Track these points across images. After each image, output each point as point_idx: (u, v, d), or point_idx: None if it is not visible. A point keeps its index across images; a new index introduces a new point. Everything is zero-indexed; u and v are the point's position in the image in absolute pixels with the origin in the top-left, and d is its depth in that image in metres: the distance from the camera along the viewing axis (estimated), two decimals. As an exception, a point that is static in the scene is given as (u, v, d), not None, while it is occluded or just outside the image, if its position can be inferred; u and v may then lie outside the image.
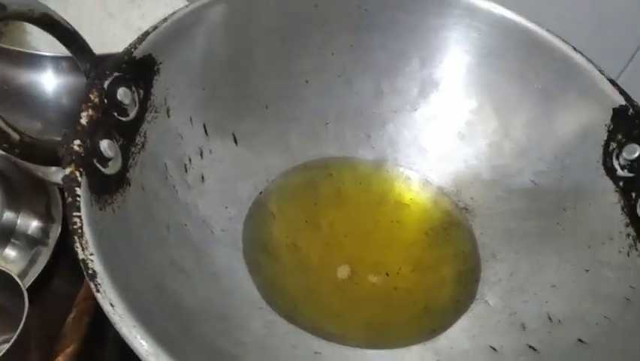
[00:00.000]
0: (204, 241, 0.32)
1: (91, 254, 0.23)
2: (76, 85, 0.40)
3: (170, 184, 0.32)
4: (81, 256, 0.23)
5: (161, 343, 0.21)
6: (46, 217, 0.48)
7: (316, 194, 0.38)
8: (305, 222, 0.37)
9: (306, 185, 0.38)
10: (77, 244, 0.23)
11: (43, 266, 0.45)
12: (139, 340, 0.21)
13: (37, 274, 0.44)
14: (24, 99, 0.39)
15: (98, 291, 0.22)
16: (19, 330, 0.33)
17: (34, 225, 0.47)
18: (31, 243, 0.46)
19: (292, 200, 0.37)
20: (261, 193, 0.37)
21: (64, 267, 0.46)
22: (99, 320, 0.40)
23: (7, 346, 0.33)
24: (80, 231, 0.23)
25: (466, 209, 0.38)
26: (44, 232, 0.47)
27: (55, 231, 0.47)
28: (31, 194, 0.48)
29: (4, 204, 0.46)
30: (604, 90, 0.34)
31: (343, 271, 0.35)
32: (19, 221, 0.47)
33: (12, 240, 0.46)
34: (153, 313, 0.23)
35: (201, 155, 0.35)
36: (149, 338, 0.21)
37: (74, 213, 0.24)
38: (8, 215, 0.46)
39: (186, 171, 0.34)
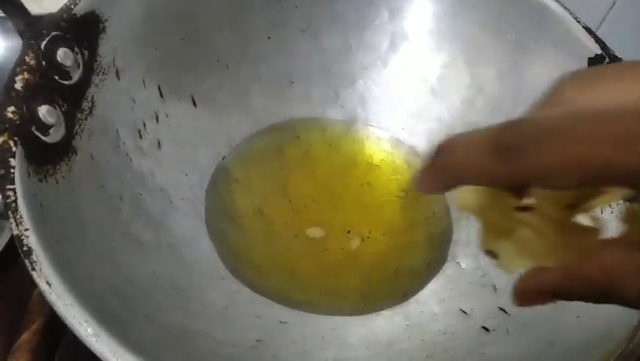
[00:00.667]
0: (162, 211, 0.31)
1: (26, 230, 0.21)
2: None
3: (122, 152, 0.30)
4: (15, 231, 0.21)
5: (106, 322, 0.20)
6: (8, 190, 0.46)
7: (283, 158, 0.36)
8: (271, 187, 0.35)
9: (271, 148, 0.36)
10: (12, 219, 0.21)
11: (6, 241, 0.43)
12: (77, 320, 0.19)
13: (0, 249, 0.42)
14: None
15: (33, 269, 0.20)
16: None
17: (-5, 198, 0.45)
18: (-7, 216, 0.44)
19: (257, 165, 0.36)
20: (223, 159, 0.35)
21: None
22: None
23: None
24: (13, 205, 0.22)
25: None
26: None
27: (18, 203, 0.45)
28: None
29: (-39, 178, 0.44)
30: (579, 39, 0.32)
31: (311, 237, 0.33)
32: (-21, 194, 0.45)
33: (-27, 214, 0.44)
34: (100, 291, 0.22)
35: (157, 119, 0.33)
36: (90, 318, 0.19)
37: (8, 186, 0.22)
38: (-33, 188, 0.44)
39: (141, 137, 0.32)
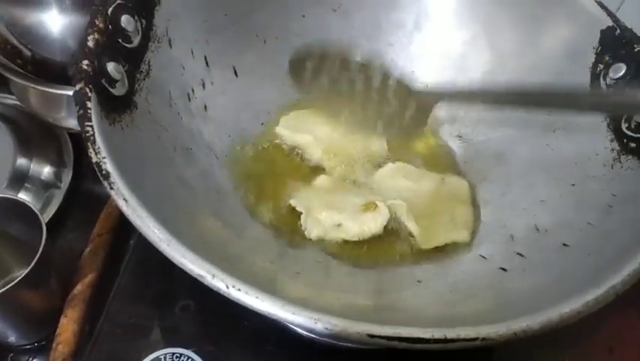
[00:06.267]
0: (209, 164, 0.34)
1: (103, 157, 0.25)
2: (81, 25, 0.41)
3: (174, 111, 0.34)
4: (94, 159, 0.25)
5: (172, 233, 0.23)
6: (58, 162, 0.50)
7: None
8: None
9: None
10: (90, 150, 0.25)
11: (57, 207, 0.47)
12: (152, 228, 0.22)
13: (52, 214, 0.46)
14: (32, 39, 0.40)
15: (112, 188, 0.24)
16: (38, 254, 0.35)
17: (46, 170, 0.49)
18: (45, 187, 0.48)
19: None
20: (262, 124, 0.39)
21: (78, 209, 0.48)
22: (113, 254, 0.43)
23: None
24: (92, 138, 0.25)
25: (460, 137, 0.40)
26: (57, 176, 0.49)
27: (67, 175, 0.49)
28: (42, 141, 0.50)
29: (16, 151, 0.47)
30: (591, 12, 0.35)
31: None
32: (32, 167, 0.48)
33: (26, 184, 0.48)
34: (163, 211, 0.25)
35: (203, 86, 0.36)
36: (161, 227, 0.23)
37: (86, 123, 0.26)
38: (21, 161, 0.48)
39: (190, 100, 0.35)
